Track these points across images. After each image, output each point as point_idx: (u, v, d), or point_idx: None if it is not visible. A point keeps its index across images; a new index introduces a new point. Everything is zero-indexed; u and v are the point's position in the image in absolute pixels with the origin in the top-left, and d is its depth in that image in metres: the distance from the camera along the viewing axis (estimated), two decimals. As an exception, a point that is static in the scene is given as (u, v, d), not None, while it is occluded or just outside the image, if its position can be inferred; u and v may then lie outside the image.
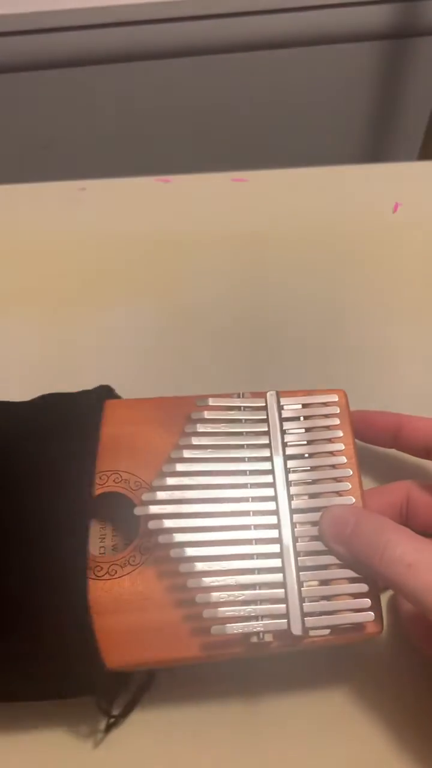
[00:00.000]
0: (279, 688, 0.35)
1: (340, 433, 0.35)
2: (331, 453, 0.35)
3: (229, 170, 0.58)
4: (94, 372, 0.47)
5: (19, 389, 0.46)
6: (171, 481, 0.33)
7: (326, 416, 0.36)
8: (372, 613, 0.31)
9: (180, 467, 0.33)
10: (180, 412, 0.35)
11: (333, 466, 0.34)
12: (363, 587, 0.31)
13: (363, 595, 0.31)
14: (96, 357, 0.47)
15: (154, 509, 0.32)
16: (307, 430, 0.35)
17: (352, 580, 0.31)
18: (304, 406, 0.36)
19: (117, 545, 0.36)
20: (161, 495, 0.32)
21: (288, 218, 0.55)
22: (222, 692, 0.35)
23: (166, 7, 0.83)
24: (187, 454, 0.34)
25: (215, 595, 0.31)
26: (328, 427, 0.35)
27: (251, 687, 0.35)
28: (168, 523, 0.32)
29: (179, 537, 0.32)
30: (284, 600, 0.31)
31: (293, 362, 0.47)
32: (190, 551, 0.31)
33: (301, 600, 0.31)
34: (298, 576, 0.31)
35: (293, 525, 0.32)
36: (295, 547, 0.32)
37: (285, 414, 0.35)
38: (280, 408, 0.35)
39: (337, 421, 0.36)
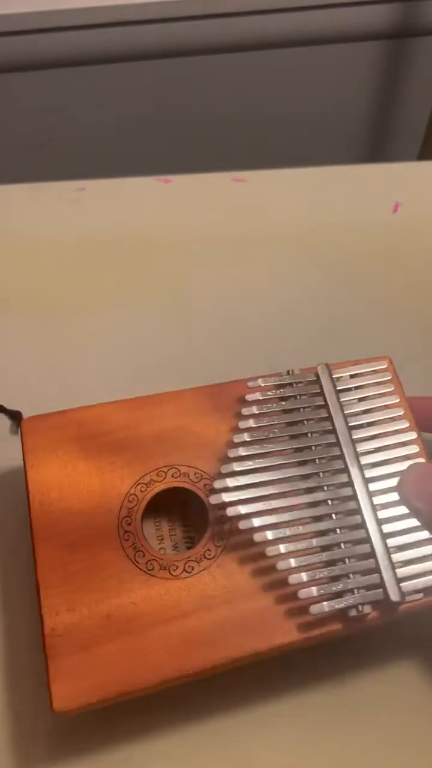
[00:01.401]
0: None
1: (396, 398, 0.35)
2: (392, 419, 0.35)
3: (229, 170, 0.58)
4: (93, 371, 0.46)
5: (19, 389, 0.46)
6: (238, 466, 0.32)
7: (379, 383, 0.36)
8: None
9: (244, 451, 0.33)
10: (225, 399, 0.35)
11: (396, 431, 0.34)
12: None
13: None
14: (96, 356, 0.47)
15: (227, 496, 0.32)
16: (363, 399, 0.35)
17: None
18: (354, 376, 0.36)
19: (177, 543, 0.35)
20: (232, 481, 0.32)
21: (288, 218, 0.54)
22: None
23: (166, 7, 0.83)
24: (248, 437, 0.33)
25: (307, 575, 0.30)
26: (382, 394, 0.35)
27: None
28: (244, 509, 0.31)
29: (258, 521, 0.31)
30: (376, 569, 0.31)
31: (293, 361, 0.47)
32: (271, 534, 0.31)
33: (393, 566, 0.31)
34: (384, 543, 0.31)
35: (370, 494, 0.32)
36: (376, 515, 0.32)
37: (339, 386, 0.35)
38: (333, 380, 0.35)
39: (391, 387, 0.36)
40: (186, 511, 0.36)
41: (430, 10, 0.87)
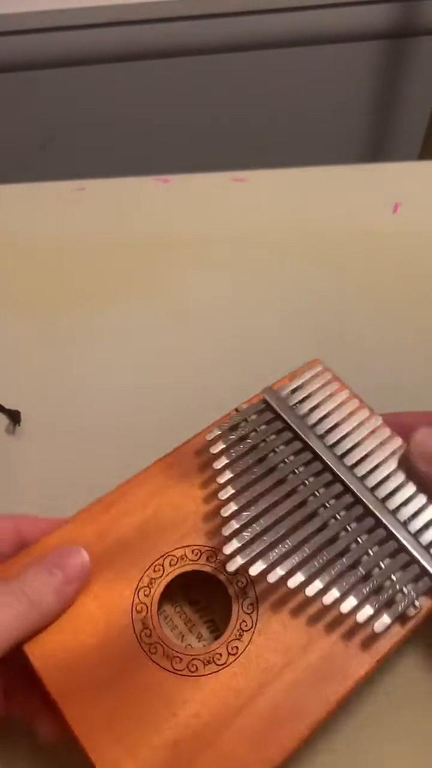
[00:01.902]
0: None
1: (346, 393, 0.35)
2: (351, 413, 0.34)
3: (229, 170, 0.58)
4: (93, 371, 0.47)
5: (19, 389, 0.46)
6: (237, 522, 0.31)
7: (323, 386, 0.36)
8: None
9: (235, 504, 0.31)
10: (187, 463, 0.34)
11: (361, 423, 0.34)
12: None
13: None
14: (95, 355, 0.47)
15: (243, 556, 0.30)
16: (316, 406, 0.35)
17: None
18: (297, 389, 0.36)
19: (200, 632, 0.32)
20: (239, 540, 0.30)
21: (288, 218, 0.54)
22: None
23: (166, 7, 0.83)
24: (232, 488, 0.32)
25: (355, 597, 0.29)
26: (331, 395, 0.35)
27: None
28: (263, 563, 0.30)
29: (282, 568, 0.29)
30: (412, 559, 0.30)
31: (293, 361, 0.47)
32: (302, 574, 0.29)
33: (427, 550, 0.30)
34: (408, 531, 0.31)
35: (371, 491, 0.32)
36: (386, 509, 0.31)
37: (290, 402, 0.35)
38: (283, 399, 0.35)
39: (336, 385, 0.36)
40: (189, 595, 0.33)
41: (430, 10, 0.87)
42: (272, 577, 0.29)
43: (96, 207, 0.56)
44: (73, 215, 0.55)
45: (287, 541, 0.30)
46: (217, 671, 0.28)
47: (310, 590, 0.29)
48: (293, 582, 0.29)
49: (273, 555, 0.30)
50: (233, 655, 0.29)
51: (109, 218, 0.55)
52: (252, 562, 0.30)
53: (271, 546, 0.30)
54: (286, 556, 0.30)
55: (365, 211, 0.54)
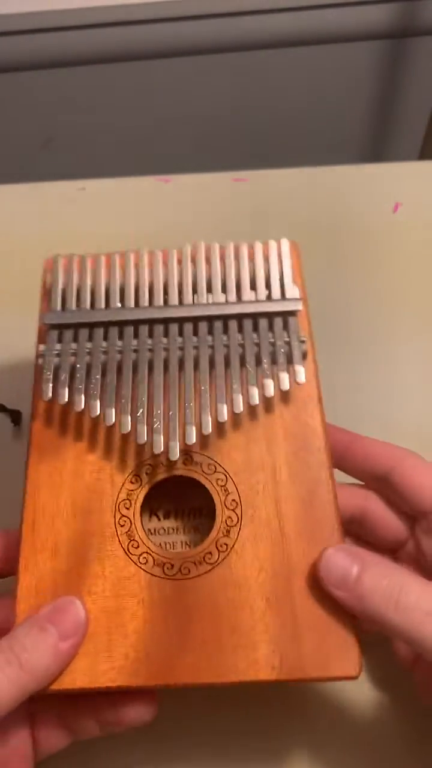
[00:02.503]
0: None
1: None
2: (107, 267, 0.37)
3: (229, 170, 0.58)
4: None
5: (19, 389, 0.46)
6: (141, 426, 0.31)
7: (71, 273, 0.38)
8: None
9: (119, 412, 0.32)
10: (53, 440, 0.33)
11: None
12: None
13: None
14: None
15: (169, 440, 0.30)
16: (79, 288, 0.36)
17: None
18: (56, 293, 0.36)
19: (184, 541, 0.33)
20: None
21: (288, 218, 0.54)
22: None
23: (166, 7, 0.83)
24: (99, 408, 0.32)
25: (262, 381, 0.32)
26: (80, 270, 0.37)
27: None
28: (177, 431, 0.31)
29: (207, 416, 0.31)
30: (258, 315, 0.34)
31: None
32: (222, 407, 0.31)
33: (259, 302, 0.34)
34: (235, 302, 0.35)
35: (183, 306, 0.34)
36: (202, 303, 0.35)
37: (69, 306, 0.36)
38: (60, 313, 0.35)
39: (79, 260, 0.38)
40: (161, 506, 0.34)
41: (430, 10, 0.87)
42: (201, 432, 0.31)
43: (96, 207, 0.56)
44: (73, 215, 0.55)
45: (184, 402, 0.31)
46: (210, 570, 0.29)
47: (237, 406, 0.31)
48: (222, 416, 0.31)
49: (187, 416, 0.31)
50: (223, 552, 0.29)
51: (109, 218, 0.55)
52: (173, 436, 0.31)
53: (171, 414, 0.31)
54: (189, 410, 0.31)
55: (365, 211, 0.54)
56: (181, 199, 0.56)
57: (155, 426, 0.31)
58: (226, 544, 0.30)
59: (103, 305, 0.35)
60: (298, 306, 0.34)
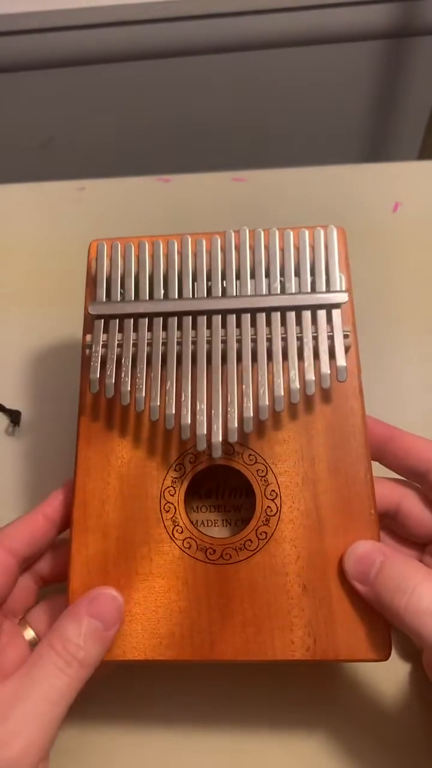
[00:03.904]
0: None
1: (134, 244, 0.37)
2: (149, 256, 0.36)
3: (229, 170, 0.58)
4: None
5: (18, 388, 0.46)
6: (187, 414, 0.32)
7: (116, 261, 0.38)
8: None
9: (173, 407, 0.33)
10: (101, 427, 0.34)
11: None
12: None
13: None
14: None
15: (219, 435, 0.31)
16: (123, 276, 0.37)
17: None
18: (103, 282, 0.36)
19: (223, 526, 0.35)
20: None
21: (288, 218, 0.54)
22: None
23: (166, 6, 0.83)
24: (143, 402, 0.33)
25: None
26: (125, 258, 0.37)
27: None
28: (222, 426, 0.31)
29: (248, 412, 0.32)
30: (302, 307, 0.33)
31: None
32: (265, 400, 0.31)
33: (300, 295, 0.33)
34: (280, 294, 0.34)
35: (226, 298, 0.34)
36: (251, 298, 0.34)
37: (114, 298, 0.35)
38: (106, 303, 0.35)
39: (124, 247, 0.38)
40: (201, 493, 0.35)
41: (430, 10, 0.87)
42: (246, 427, 0.31)
43: (96, 207, 0.56)
44: (73, 215, 0.55)
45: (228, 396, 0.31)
46: (250, 557, 0.30)
47: (279, 405, 0.31)
48: (264, 414, 0.31)
49: (230, 412, 0.31)
50: (263, 540, 0.31)
51: (109, 218, 0.55)
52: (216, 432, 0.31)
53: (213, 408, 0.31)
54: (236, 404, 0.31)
55: (365, 210, 0.54)
56: (181, 199, 0.56)
57: (198, 420, 0.31)
58: (266, 533, 0.31)
59: (147, 296, 0.35)
60: (344, 298, 0.33)
